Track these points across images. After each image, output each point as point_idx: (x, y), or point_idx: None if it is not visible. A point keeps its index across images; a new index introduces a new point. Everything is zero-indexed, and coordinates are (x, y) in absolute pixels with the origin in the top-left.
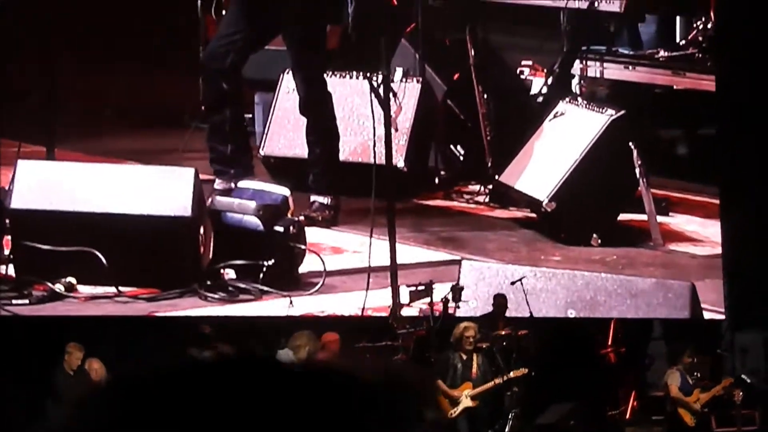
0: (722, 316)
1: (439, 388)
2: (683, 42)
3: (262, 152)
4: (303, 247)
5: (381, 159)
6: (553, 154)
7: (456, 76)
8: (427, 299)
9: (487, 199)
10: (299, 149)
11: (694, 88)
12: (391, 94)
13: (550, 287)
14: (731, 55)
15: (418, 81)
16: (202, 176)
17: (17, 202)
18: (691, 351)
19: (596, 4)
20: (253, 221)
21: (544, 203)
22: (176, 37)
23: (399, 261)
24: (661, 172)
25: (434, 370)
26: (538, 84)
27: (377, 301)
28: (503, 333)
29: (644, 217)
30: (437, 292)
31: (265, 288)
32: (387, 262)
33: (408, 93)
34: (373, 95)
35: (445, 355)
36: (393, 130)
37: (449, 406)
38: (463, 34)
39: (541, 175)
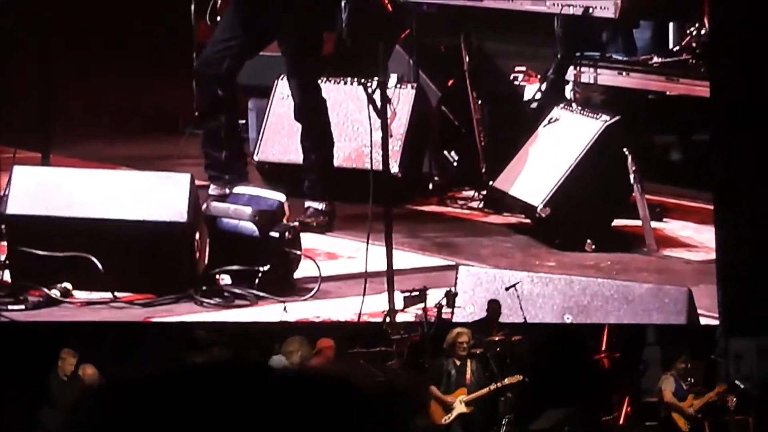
0: (716, 322)
1: (433, 394)
2: (677, 48)
3: (256, 158)
4: (298, 252)
5: (376, 165)
6: (547, 159)
7: (450, 82)
8: (421, 305)
9: (481, 205)
10: (293, 155)
11: (687, 94)
12: (380, 100)
13: (547, 292)
14: (725, 61)
15: (412, 87)
16: (196, 182)
17: (13, 207)
18: (685, 357)
19: (591, 10)
20: (249, 227)
21: (538, 209)
22: (170, 43)
23: (394, 267)
24: (656, 177)
25: (428, 376)
26: (531, 90)
27: (372, 306)
28: (497, 339)
29: (638, 222)
30: (432, 297)
31: (261, 293)
32: (382, 268)
33: (402, 99)
34: (369, 101)
35: (439, 361)
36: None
37: (443, 412)
38: (458, 41)
39: (535, 180)
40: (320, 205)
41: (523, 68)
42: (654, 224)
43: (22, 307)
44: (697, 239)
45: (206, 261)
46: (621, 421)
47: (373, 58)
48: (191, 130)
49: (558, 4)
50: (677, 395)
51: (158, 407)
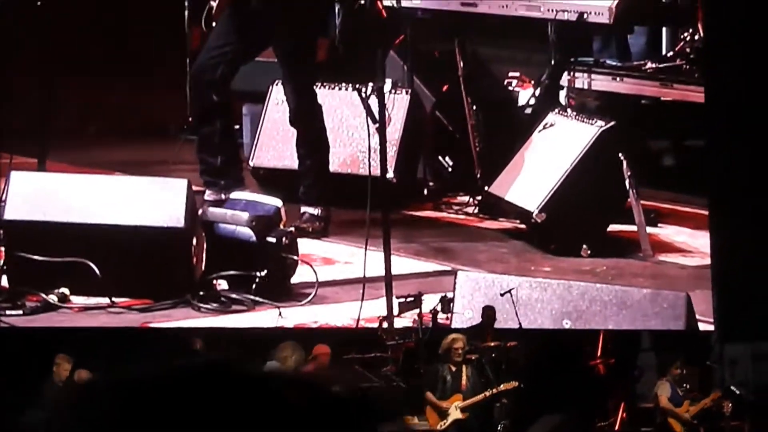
0: (711, 327)
1: (429, 400)
2: (671, 53)
3: (251, 163)
4: (295, 257)
5: (372, 170)
6: (542, 165)
7: (445, 87)
8: (416, 311)
9: (476, 210)
10: (288, 160)
11: (682, 100)
12: (378, 106)
13: (546, 297)
14: (719, 66)
15: (407, 92)
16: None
17: (10, 213)
18: (680, 362)
19: (585, 16)
20: (246, 232)
21: (534, 214)
22: (164, 50)
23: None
24: (651, 183)
25: (423, 382)
26: (525, 95)
27: (368, 311)
28: (492, 345)
29: (634, 228)
30: (428, 303)
31: (258, 299)
32: (378, 273)
33: (397, 104)
34: (364, 107)
35: (435, 366)
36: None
37: (439, 418)
38: (452, 46)
39: (531, 186)
40: (316, 211)
41: (517, 74)
42: (649, 229)
43: (20, 312)
44: (692, 244)
45: (203, 266)
46: (616, 427)
47: (367, 64)
48: (186, 136)
49: (552, 10)
50: (673, 401)
51: (142, 409)
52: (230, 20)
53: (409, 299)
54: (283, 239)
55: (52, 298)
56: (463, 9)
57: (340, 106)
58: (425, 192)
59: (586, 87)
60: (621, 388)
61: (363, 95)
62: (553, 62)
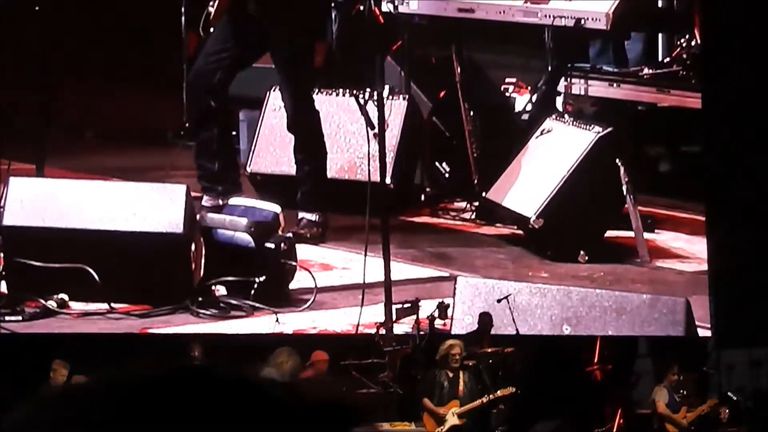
0: (709, 333)
1: (426, 406)
2: (667, 59)
3: (248, 169)
4: (294, 263)
5: (370, 176)
6: (540, 170)
7: (442, 93)
8: (413, 317)
9: (473, 216)
10: (286, 166)
11: (678, 105)
12: (377, 112)
13: (545, 303)
14: (716, 72)
15: (404, 98)
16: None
17: (9, 219)
18: (677, 368)
19: (582, 22)
20: (245, 238)
21: (531, 220)
22: (159, 55)
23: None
24: (648, 189)
25: (420, 388)
26: (522, 101)
27: (365, 317)
28: (489, 351)
29: (631, 233)
30: (426, 309)
31: (257, 304)
32: (376, 279)
33: (394, 110)
34: (362, 112)
35: (432, 372)
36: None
37: (436, 424)
38: (449, 52)
39: (528, 191)
40: (313, 216)
41: (514, 80)
42: (646, 235)
43: (19, 318)
44: (689, 250)
45: (202, 272)
46: None
47: (364, 70)
48: (184, 142)
49: (549, 16)
50: (671, 407)
51: (128, 412)
52: (228, 26)
53: (406, 305)
54: (282, 245)
55: (51, 304)
56: (460, 15)
57: (338, 112)
58: (422, 198)
59: (583, 93)
60: (618, 394)
61: (360, 101)
62: (550, 68)
